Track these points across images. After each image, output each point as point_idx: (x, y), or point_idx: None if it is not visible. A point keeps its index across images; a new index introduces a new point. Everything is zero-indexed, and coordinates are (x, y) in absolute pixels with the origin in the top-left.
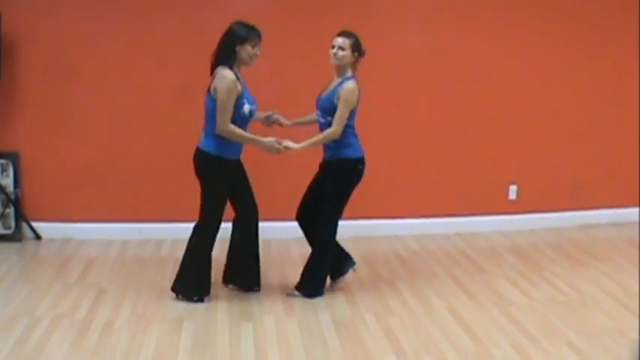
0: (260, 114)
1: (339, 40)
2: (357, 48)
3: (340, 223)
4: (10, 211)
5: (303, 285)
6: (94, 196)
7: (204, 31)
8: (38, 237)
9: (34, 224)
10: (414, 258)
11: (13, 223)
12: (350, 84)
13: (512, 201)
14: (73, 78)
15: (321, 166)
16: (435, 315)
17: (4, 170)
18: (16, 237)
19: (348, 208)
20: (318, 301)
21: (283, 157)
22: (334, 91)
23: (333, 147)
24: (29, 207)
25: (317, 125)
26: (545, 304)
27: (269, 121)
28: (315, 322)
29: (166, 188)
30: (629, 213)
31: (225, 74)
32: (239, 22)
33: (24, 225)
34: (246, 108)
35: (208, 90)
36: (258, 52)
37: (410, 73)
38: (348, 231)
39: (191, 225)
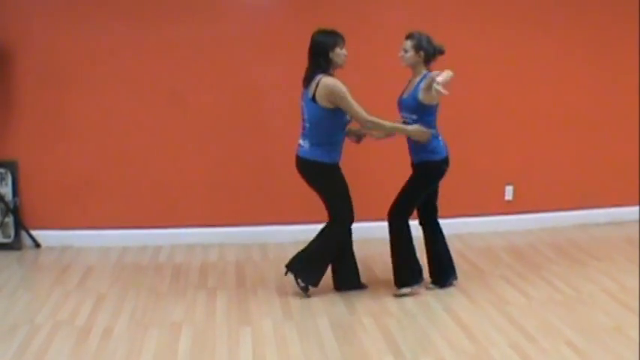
0: (352, 129)
1: (404, 43)
2: (420, 47)
3: None
4: (10, 219)
5: (402, 281)
6: (92, 204)
7: (199, 38)
8: (37, 245)
9: (34, 232)
10: None
11: (12, 232)
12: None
13: (508, 201)
14: (70, 86)
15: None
16: (433, 316)
17: (2, 179)
18: (15, 245)
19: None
20: (316, 304)
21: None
22: (416, 89)
23: (417, 150)
24: (28, 215)
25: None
26: (544, 303)
27: (361, 134)
28: (312, 325)
29: (164, 194)
30: (627, 212)
31: (332, 79)
32: (319, 30)
33: (23, 233)
34: (347, 115)
35: (313, 98)
36: (346, 52)
37: (405, 74)
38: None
39: (189, 230)
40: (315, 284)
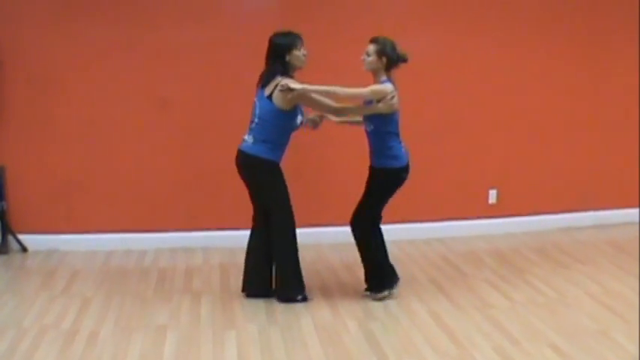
0: (309, 116)
1: (368, 47)
2: (383, 53)
3: (321, 230)
4: None
5: (376, 286)
6: (79, 208)
7: (186, 44)
8: (24, 249)
9: (20, 237)
10: (395, 263)
11: None
12: (379, 85)
13: (492, 205)
14: (57, 92)
15: (370, 170)
16: (416, 319)
17: None
18: (2, 250)
19: (327, 215)
20: (300, 308)
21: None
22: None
23: (379, 156)
24: (15, 220)
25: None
26: (527, 306)
27: (319, 121)
28: (297, 328)
29: (149, 199)
30: (611, 215)
31: (292, 82)
32: (276, 33)
33: (10, 237)
34: (299, 119)
35: (269, 97)
36: (306, 52)
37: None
38: (328, 237)
39: (174, 234)
40: (303, 294)
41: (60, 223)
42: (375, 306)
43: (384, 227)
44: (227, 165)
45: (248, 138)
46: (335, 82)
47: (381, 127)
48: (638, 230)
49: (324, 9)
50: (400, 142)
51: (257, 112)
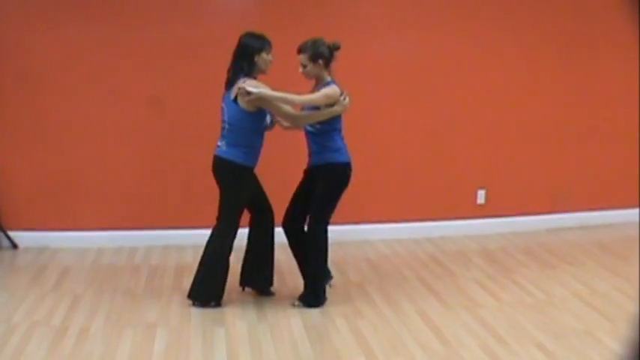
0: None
1: (299, 57)
2: (316, 56)
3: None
4: None
5: (306, 296)
6: (69, 205)
7: (178, 42)
8: (15, 246)
9: (11, 233)
10: (384, 262)
11: None
12: (329, 88)
13: (480, 205)
14: (46, 89)
15: (306, 172)
16: (405, 318)
17: None
18: None
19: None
20: (290, 306)
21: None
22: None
23: (321, 152)
24: (5, 217)
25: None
26: (514, 306)
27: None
28: (286, 326)
29: (139, 196)
30: (598, 216)
31: (255, 82)
32: (248, 33)
33: (1, 234)
34: (268, 118)
35: (234, 100)
36: (272, 58)
37: (379, 79)
38: None
39: (164, 232)
40: (217, 301)
41: (51, 220)
42: (364, 305)
43: (375, 227)
44: None
45: (221, 143)
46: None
47: (327, 125)
48: (623, 231)
49: (313, 9)
50: (343, 139)
51: (225, 117)
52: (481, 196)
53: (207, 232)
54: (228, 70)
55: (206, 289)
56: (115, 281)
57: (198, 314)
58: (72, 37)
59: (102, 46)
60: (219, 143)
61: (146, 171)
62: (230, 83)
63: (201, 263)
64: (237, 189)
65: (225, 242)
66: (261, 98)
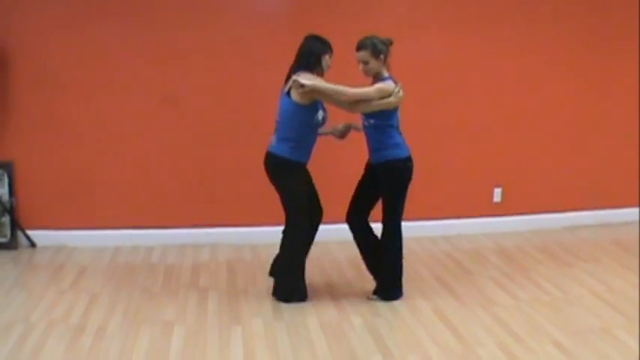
0: (336, 127)
1: (359, 55)
2: (377, 52)
3: (326, 227)
4: (6, 219)
5: (385, 291)
6: (86, 205)
7: (194, 43)
8: (33, 245)
9: (29, 232)
10: None
11: (8, 232)
12: (383, 83)
13: (497, 203)
14: (65, 89)
15: (367, 167)
16: (421, 316)
17: None
18: (11, 245)
19: (333, 212)
20: (306, 305)
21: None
22: None
23: (379, 149)
24: (24, 215)
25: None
26: (531, 304)
27: (347, 130)
28: (302, 324)
29: (157, 196)
30: (615, 214)
31: (310, 76)
32: (314, 35)
33: (19, 233)
34: (320, 114)
35: (287, 93)
36: (330, 64)
37: (396, 78)
38: (335, 235)
39: (182, 231)
40: (301, 298)
41: (68, 219)
42: (380, 303)
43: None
44: (235, 163)
45: (273, 138)
46: (340, 83)
47: (382, 120)
48: None
49: (331, 11)
50: (400, 134)
51: (279, 110)
52: (497, 195)
53: (224, 230)
54: (291, 69)
55: (288, 286)
56: (131, 280)
57: (215, 312)
58: (90, 36)
59: (120, 46)
60: (271, 138)
61: (163, 170)
62: (289, 77)
63: (281, 265)
64: (289, 184)
65: (296, 239)
66: (314, 90)
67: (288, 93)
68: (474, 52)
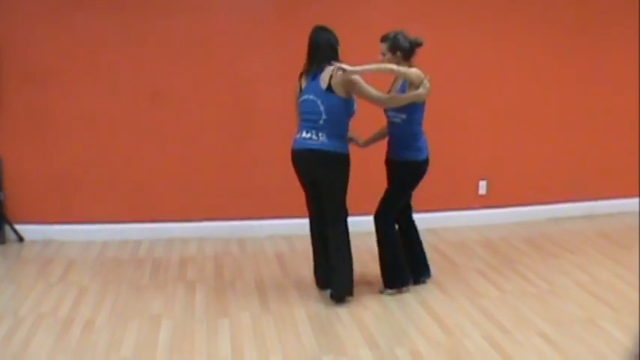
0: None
1: (380, 47)
2: (396, 47)
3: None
4: None
5: (390, 281)
6: (74, 199)
7: (181, 37)
8: (21, 239)
9: (17, 227)
10: None
11: None
12: (415, 69)
13: (482, 196)
14: (52, 84)
15: (387, 164)
16: (408, 308)
17: None
18: None
19: None
20: (293, 297)
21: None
22: (403, 87)
23: (404, 148)
24: (12, 210)
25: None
26: (517, 295)
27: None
28: (289, 317)
29: (144, 190)
30: (600, 206)
31: (347, 65)
32: (322, 26)
33: (7, 227)
34: (355, 105)
35: (328, 89)
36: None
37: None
38: None
39: (169, 225)
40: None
41: (56, 214)
42: (367, 295)
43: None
44: (221, 156)
45: (315, 136)
46: None
47: (414, 114)
48: (625, 220)
49: (319, 2)
50: (423, 133)
51: (321, 109)
52: (482, 187)
53: (211, 224)
54: (309, 63)
55: (345, 283)
56: (119, 273)
57: (203, 305)
58: (77, 30)
59: (108, 41)
60: (308, 135)
61: (151, 165)
62: (315, 73)
63: (338, 262)
64: (345, 178)
65: (346, 233)
66: (352, 81)
67: (329, 89)
68: (460, 44)
